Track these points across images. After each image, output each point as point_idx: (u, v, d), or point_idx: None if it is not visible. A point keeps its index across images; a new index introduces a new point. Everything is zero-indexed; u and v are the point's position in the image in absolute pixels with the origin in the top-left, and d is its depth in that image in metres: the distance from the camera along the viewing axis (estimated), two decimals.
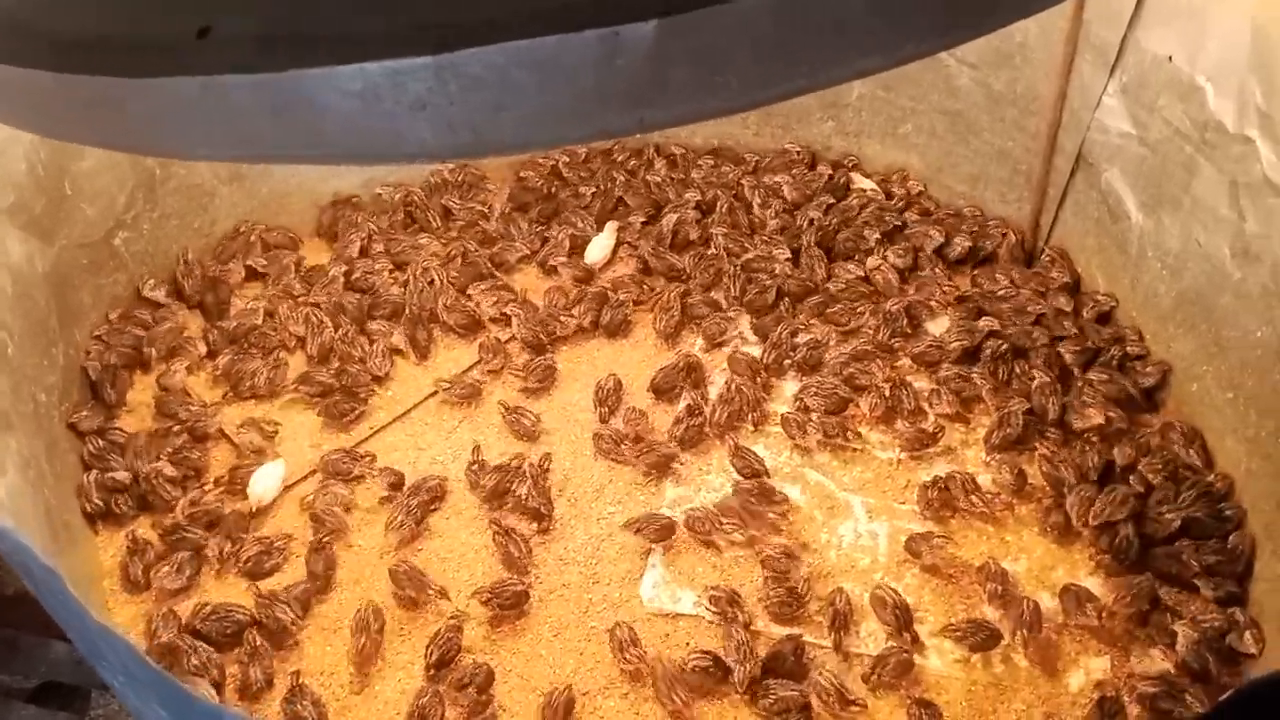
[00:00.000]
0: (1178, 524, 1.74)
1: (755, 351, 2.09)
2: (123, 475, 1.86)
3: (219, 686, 1.64)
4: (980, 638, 1.65)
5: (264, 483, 1.88)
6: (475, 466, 1.91)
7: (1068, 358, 1.99)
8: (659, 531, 1.82)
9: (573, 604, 1.77)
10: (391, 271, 2.24)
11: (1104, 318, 2.09)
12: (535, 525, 1.86)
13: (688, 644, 1.71)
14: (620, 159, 2.46)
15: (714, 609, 1.72)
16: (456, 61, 0.48)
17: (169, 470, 1.87)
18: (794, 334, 2.10)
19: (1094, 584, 1.73)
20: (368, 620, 1.70)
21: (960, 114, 2.23)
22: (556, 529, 1.86)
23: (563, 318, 2.14)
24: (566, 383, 2.09)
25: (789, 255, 2.23)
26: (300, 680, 1.65)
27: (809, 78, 0.50)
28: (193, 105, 0.55)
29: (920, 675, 1.66)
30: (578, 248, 2.30)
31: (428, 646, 1.67)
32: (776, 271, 2.20)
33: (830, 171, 2.39)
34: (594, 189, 2.39)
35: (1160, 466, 1.82)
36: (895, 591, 1.70)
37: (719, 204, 2.32)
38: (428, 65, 0.49)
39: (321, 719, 1.63)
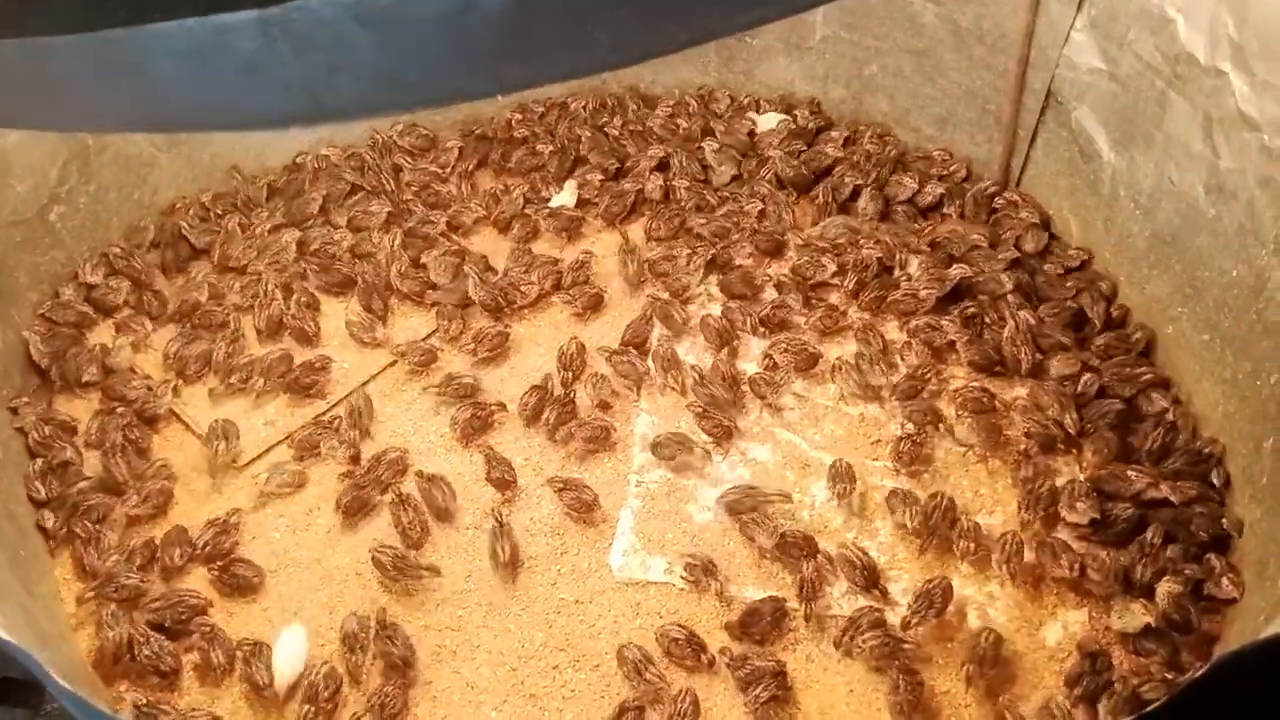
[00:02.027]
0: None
1: (719, 310, 2.03)
2: (70, 460, 1.80)
3: (174, 674, 1.60)
4: (938, 606, 1.60)
5: (288, 655, 1.61)
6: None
7: (1044, 315, 1.95)
8: (577, 505, 1.76)
9: (540, 576, 1.72)
10: (344, 238, 2.16)
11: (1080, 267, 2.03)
12: (500, 495, 1.81)
13: (659, 613, 1.67)
14: (577, 112, 2.37)
15: (689, 578, 1.68)
16: (283, 17, 0.41)
17: (119, 454, 1.81)
18: (759, 289, 2.05)
19: (1069, 536, 1.70)
20: (317, 690, 1.56)
21: (926, 53, 2.15)
22: (521, 499, 1.81)
23: (523, 286, 2.07)
24: (529, 348, 2.02)
25: (758, 208, 2.16)
26: (260, 644, 1.61)
27: (692, 31, 0.44)
28: (13, 70, 0.48)
29: (894, 634, 1.62)
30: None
31: None
32: (743, 225, 2.14)
33: (796, 119, 2.31)
34: (551, 146, 2.31)
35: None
36: (862, 551, 1.66)
37: (678, 157, 2.25)
38: (253, 21, 0.42)
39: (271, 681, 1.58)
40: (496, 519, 1.73)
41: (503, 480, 1.80)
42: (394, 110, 0.45)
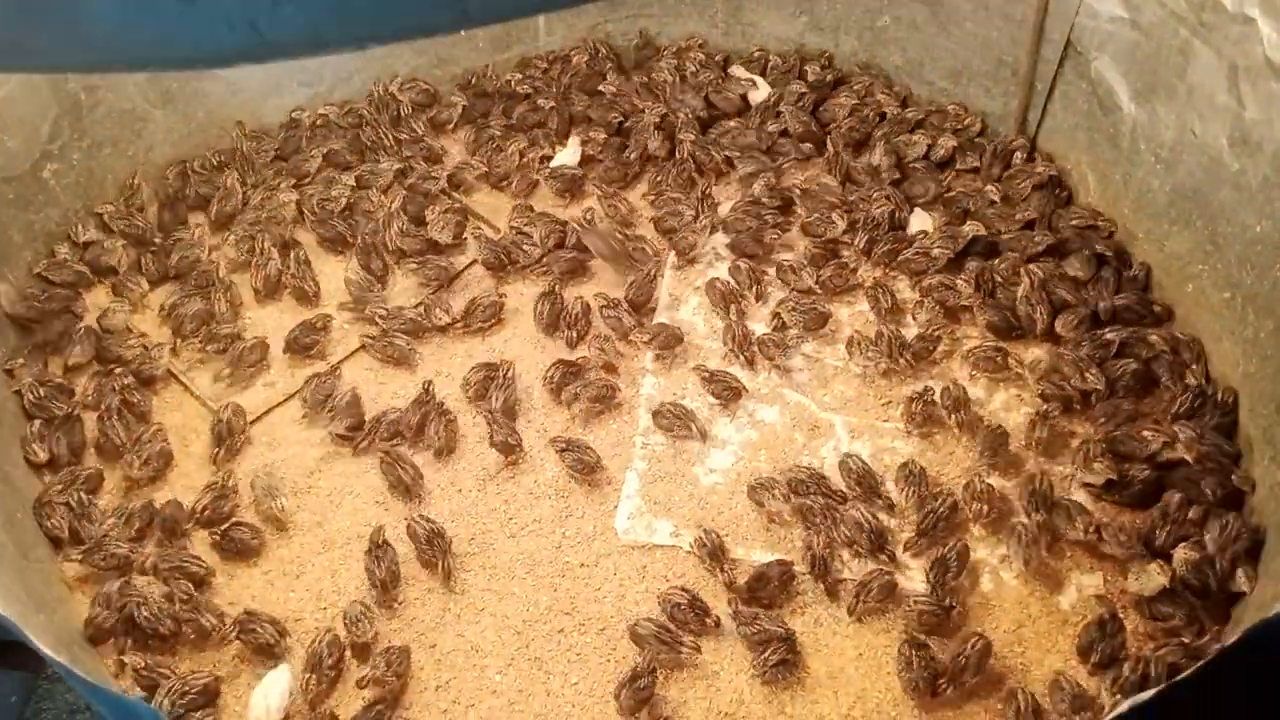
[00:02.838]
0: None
1: (726, 269, 1.99)
2: (66, 419, 1.77)
3: (174, 637, 1.57)
4: (955, 570, 1.57)
5: (269, 699, 1.52)
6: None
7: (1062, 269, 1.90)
8: (579, 467, 1.73)
9: (545, 539, 1.69)
10: (342, 194, 2.11)
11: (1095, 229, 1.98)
12: (504, 458, 1.78)
13: (665, 577, 1.64)
14: (579, 66, 2.30)
15: (696, 552, 1.64)
16: None
17: (114, 417, 1.78)
18: (769, 248, 2.00)
19: (1085, 498, 1.66)
20: (320, 656, 1.54)
21: (941, 2, 2.08)
22: (526, 462, 1.78)
23: (525, 246, 2.03)
24: (531, 308, 1.97)
25: (769, 166, 2.10)
26: (253, 610, 1.59)
27: None
28: None
29: (904, 599, 1.59)
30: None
31: None
32: (753, 183, 2.09)
33: (808, 76, 2.24)
34: (552, 103, 2.24)
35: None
36: (872, 515, 1.63)
37: (683, 112, 2.19)
38: None
39: (281, 635, 1.57)
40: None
41: (506, 444, 1.77)
42: (346, 46, 0.41)
